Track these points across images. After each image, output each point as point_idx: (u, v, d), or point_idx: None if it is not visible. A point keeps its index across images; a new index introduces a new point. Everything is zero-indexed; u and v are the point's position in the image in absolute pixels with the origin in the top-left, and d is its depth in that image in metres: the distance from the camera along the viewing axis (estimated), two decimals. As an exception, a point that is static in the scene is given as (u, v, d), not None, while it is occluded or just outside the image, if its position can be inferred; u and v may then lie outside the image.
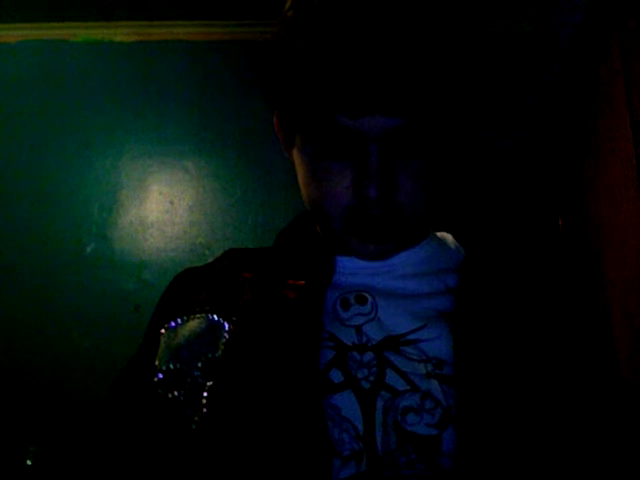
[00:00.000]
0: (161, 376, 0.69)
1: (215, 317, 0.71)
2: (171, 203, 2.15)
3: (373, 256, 0.73)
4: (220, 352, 0.67)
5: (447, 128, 0.70)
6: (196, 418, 0.64)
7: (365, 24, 0.63)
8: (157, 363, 0.70)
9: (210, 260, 0.86)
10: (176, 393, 0.67)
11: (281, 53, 0.68)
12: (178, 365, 0.68)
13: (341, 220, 0.69)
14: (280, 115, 0.76)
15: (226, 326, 0.69)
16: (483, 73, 2.04)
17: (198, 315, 0.72)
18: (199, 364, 0.67)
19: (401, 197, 0.67)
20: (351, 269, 0.74)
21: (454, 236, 0.83)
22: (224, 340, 0.68)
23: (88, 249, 2.09)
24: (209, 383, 0.66)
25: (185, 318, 0.73)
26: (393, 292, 0.72)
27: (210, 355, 0.67)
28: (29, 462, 1.70)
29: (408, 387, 0.63)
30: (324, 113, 0.65)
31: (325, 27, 0.64)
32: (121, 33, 2.25)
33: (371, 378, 0.63)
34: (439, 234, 0.82)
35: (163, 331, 0.73)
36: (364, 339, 0.67)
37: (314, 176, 0.70)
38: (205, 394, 0.65)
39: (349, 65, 0.62)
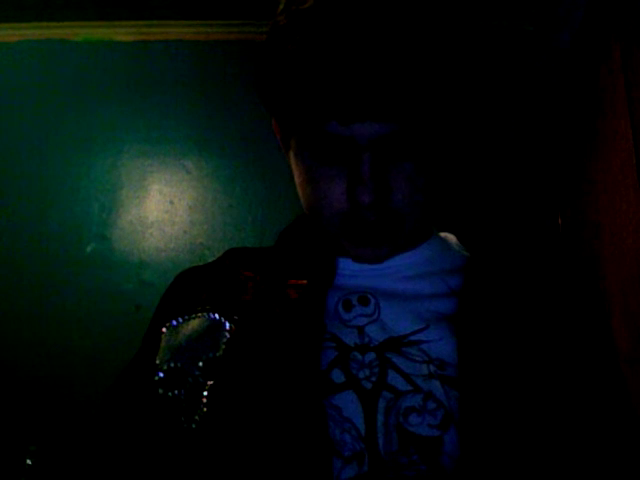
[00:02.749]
0: (162, 375, 0.69)
1: (216, 316, 0.71)
2: (171, 203, 2.14)
3: (368, 260, 0.73)
4: (221, 351, 0.67)
5: (440, 131, 0.70)
6: (196, 417, 0.64)
7: (355, 32, 0.62)
8: (158, 362, 0.70)
9: (210, 260, 0.86)
10: (177, 392, 0.67)
11: (272, 59, 0.68)
12: (179, 364, 0.68)
13: (336, 225, 0.70)
14: (277, 120, 0.76)
15: (227, 325, 0.69)
16: (482, 73, 2.04)
17: (199, 314, 0.72)
18: (200, 363, 0.67)
19: (396, 201, 0.67)
20: (353, 270, 0.74)
21: (457, 237, 0.82)
22: (225, 339, 0.68)
23: (88, 249, 2.09)
24: (210, 382, 0.66)
25: (186, 317, 0.73)
26: (396, 293, 0.72)
27: (211, 354, 0.67)
28: (29, 462, 1.70)
29: (410, 388, 0.63)
30: (315, 120, 0.65)
31: (315, 34, 0.64)
32: (121, 33, 2.25)
33: (373, 378, 0.63)
34: (442, 234, 0.82)
35: (164, 330, 0.73)
36: (366, 339, 0.67)
37: (309, 181, 0.70)
38: (205, 393, 0.65)
39: (339, 72, 0.62)
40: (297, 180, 0.74)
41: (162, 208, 2.14)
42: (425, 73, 0.64)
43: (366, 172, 0.65)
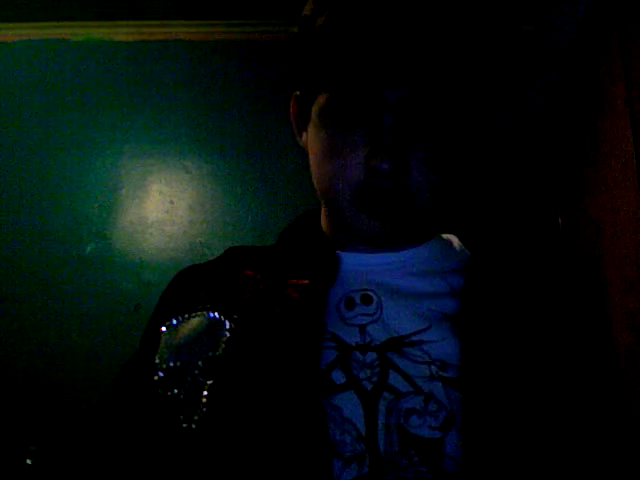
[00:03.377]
0: (161, 374, 0.68)
1: (216, 315, 0.70)
2: (171, 203, 2.14)
3: (377, 236, 0.72)
4: (221, 351, 0.67)
5: (457, 114, 0.72)
6: (196, 417, 0.64)
7: (390, 1, 0.66)
8: (157, 361, 0.70)
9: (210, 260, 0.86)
10: (176, 391, 0.66)
11: (308, 28, 0.71)
12: (178, 363, 0.68)
13: (350, 196, 0.70)
14: (299, 95, 0.78)
15: (227, 324, 0.69)
16: (486, 71, 2.04)
17: (199, 313, 0.72)
18: (200, 362, 0.67)
19: (411, 177, 0.68)
20: (356, 265, 0.74)
21: (459, 238, 0.82)
22: (225, 338, 0.68)
23: (88, 249, 2.09)
24: (209, 382, 0.65)
25: (186, 316, 0.72)
26: (398, 290, 0.71)
27: (211, 353, 0.67)
28: (29, 462, 1.70)
29: (411, 389, 0.62)
30: (345, 82, 0.67)
31: (352, 4, 0.67)
32: (121, 32, 2.25)
33: (374, 379, 0.63)
34: (445, 236, 0.82)
35: (164, 329, 0.73)
36: (367, 339, 0.66)
37: (328, 151, 0.71)
38: (205, 393, 0.65)
39: (373, 40, 0.65)
40: (313, 155, 0.75)
41: (162, 208, 2.14)
42: (454, 44, 0.68)
43: (387, 138, 0.67)
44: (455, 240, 0.82)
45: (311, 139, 0.75)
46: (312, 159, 0.75)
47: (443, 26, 0.67)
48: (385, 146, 0.66)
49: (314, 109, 0.73)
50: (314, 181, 0.76)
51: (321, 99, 0.71)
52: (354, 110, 0.68)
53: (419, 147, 0.68)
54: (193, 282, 0.78)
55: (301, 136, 0.79)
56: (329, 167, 0.71)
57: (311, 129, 0.75)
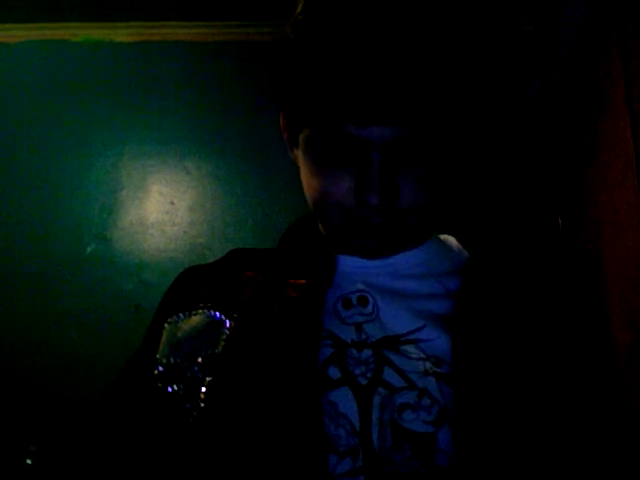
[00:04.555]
0: (161, 369, 0.69)
1: (216, 314, 0.71)
2: (171, 203, 2.15)
3: (374, 252, 0.73)
4: (220, 348, 0.68)
5: (450, 136, 0.70)
6: (194, 413, 0.65)
7: (374, 34, 0.63)
8: (158, 356, 0.71)
9: (210, 260, 0.87)
10: (175, 387, 0.67)
11: (289, 57, 0.69)
12: (178, 359, 0.69)
13: (341, 222, 0.70)
14: (286, 116, 0.76)
15: (227, 323, 0.70)
16: (484, 74, 2.04)
17: (200, 311, 0.73)
18: (199, 359, 0.68)
19: (402, 205, 0.67)
20: (352, 268, 0.75)
21: (457, 238, 0.82)
22: (224, 336, 0.69)
23: (88, 249, 2.09)
24: (208, 378, 0.66)
25: (187, 314, 0.73)
26: (394, 291, 0.72)
27: (210, 351, 0.68)
28: (29, 462, 1.70)
29: (405, 384, 0.63)
30: (329, 119, 0.66)
31: (334, 35, 0.64)
32: (121, 33, 2.25)
33: (368, 375, 0.63)
34: (442, 236, 0.82)
35: (166, 326, 0.74)
36: (363, 336, 0.67)
37: (316, 179, 0.70)
38: (204, 389, 0.66)
39: (357, 74, 0.63)
40: (304, 177, 0.74)
41: (162, 209, 2.15)
42: (441, 78, 0.65)
43: (375, 174, 0.65)
44: (453, 241, 0.82)
45: (300, 162, 0.74)
46: (302, 179, 0.74)
47: (430, 63, 0.64)
48: (373, 181, 0.65)
49: (301, 137, 0.71)
50: (306, 197, 0.74)
51: (306, 131, 0.70)
52: (341, 148, 0.67)
53: (409, 175, 0.67)
54: (196, 281, 0.79)
55: (292, 151, 0.77)
56: (319, 194, 0.70)
57: (299, 154, 0.74)
